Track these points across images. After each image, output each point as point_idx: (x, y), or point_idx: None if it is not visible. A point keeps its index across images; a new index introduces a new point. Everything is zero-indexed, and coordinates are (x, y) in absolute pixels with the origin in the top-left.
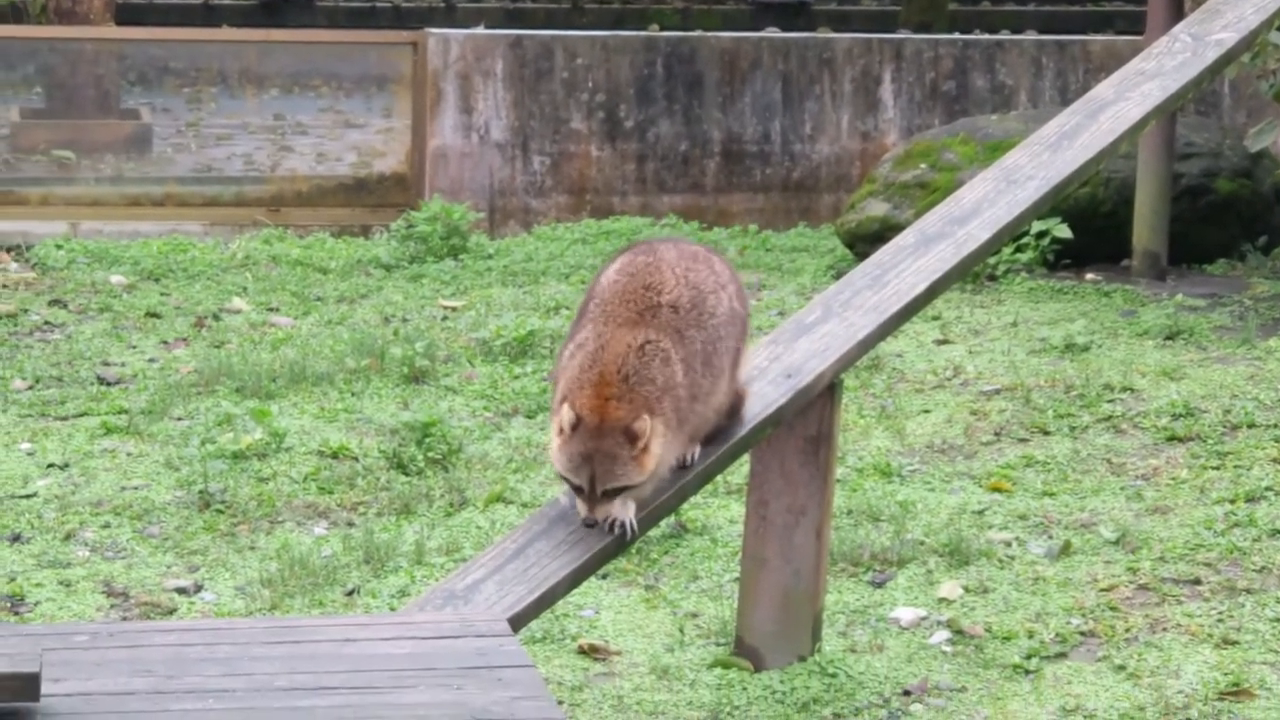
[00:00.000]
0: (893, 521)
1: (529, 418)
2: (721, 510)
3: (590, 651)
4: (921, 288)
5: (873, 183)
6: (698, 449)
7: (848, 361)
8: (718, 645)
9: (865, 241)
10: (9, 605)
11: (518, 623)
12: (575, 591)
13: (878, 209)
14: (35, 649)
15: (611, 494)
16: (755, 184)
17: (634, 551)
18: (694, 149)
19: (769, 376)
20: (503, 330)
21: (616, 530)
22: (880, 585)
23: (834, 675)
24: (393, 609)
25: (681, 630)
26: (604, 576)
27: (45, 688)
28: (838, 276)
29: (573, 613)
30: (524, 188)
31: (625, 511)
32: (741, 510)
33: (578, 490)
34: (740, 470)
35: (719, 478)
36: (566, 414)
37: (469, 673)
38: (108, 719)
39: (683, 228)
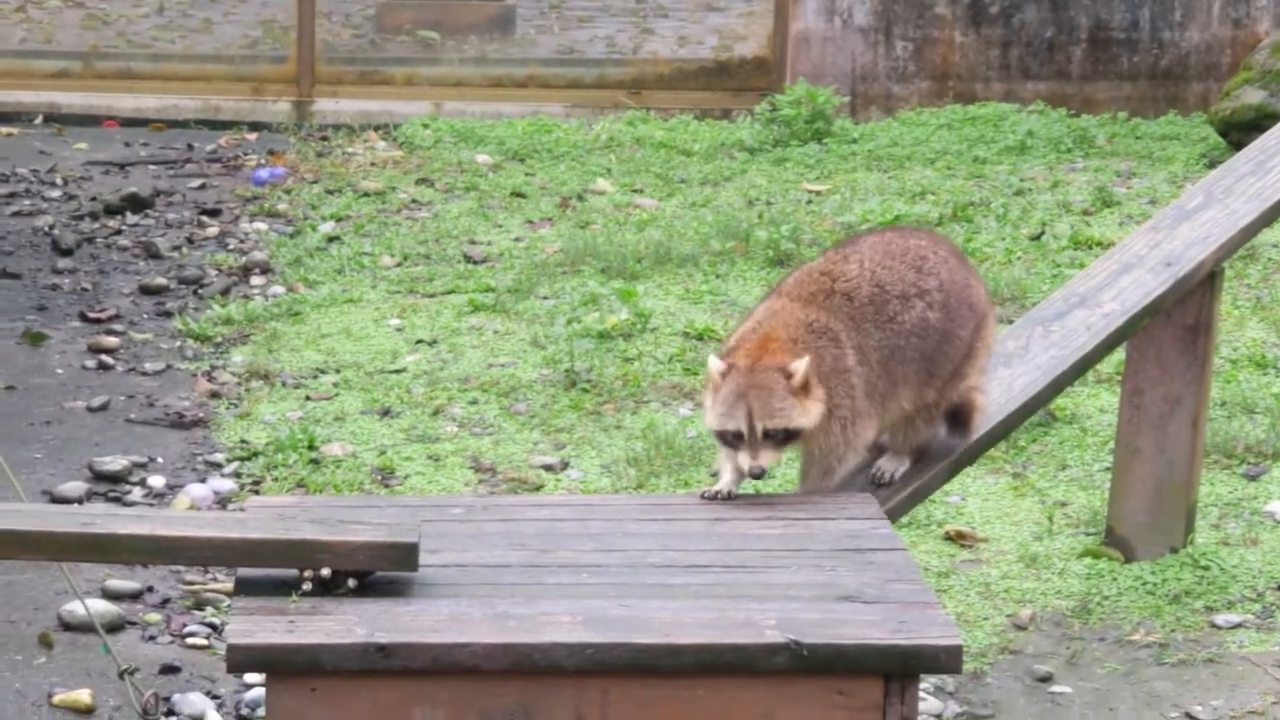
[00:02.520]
0: (1268, 414)
1: None
2: (1091, 399)
3: (957, 538)
4: None
5: (1249, 70)
6: (906, 463)
7: (1230, 249)
8: (1087, 535)
9: (1240, 130)
10: (380, 478)
11: (893, 515)
12: None
13: (1254, 96)
14: (414, 520)
15: (776, 438)
16: (1122, 72)
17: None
18: (1060, 35)
19: (1148, 265)
20: (868, 215)
21: (877, 477)
22: (1255, 478)
23: (1206, 568)
24: (756, 491)
25: (1050, 519)
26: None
27: (423, 558)
28: (1211, 165)
29: (939, 499)
30: (886, 73)
31: (896, 463)
32: (1112, 400)
33: (738, 439)
34: (1112, 360)
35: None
36: (714, 363)
37: (840, 554)
38: (484, 590)
39: (1049, 114)
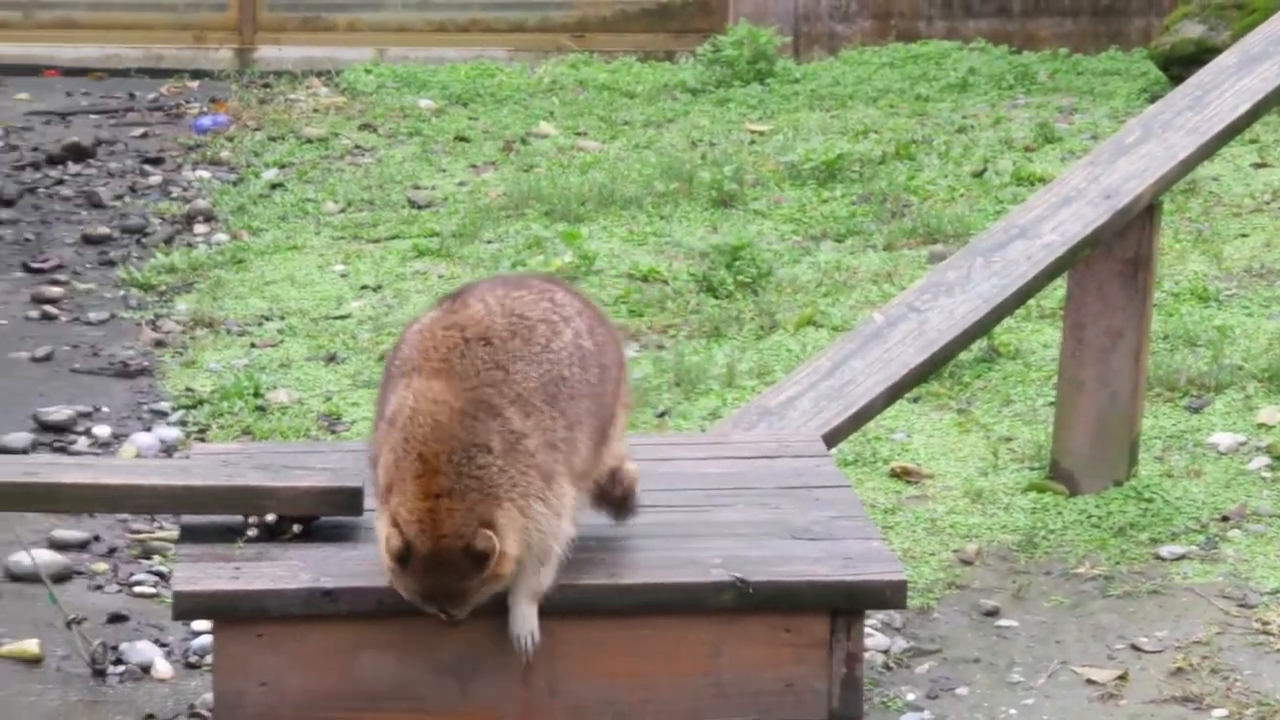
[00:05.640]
0: (1210, 346)
1: (838, 241)
2: (1035, 335)
3: (903, 474)
4: (1244, 108)
5: (1188, 4)
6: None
7: (1167, 182)
8: (1031, 470)
9: (1180, 64)
10: (327, 424)
11: (832, 439)
12: (886, 414)
13: (1193, 31)
14: (358, 465)
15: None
16: (1064, 8)
17: (946, 375)
18: None
19: (1087, 197)
20: (811, 154)
21: (523, 649)
22: (1197, 410)
23: (1150, 500)
24: (703, 430)
25: (995, 454)
26: (915, 400)
27: (368, 503)
28: (1151, 100)
29: (884, 436)
30: (829, 12)
31: (523, 623)
32: (1055, 334)
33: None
34: (1054, 294)
35: (1031, 302)
36: (394, 540)
37: (786, 492)
38: None
39: (991, 51)
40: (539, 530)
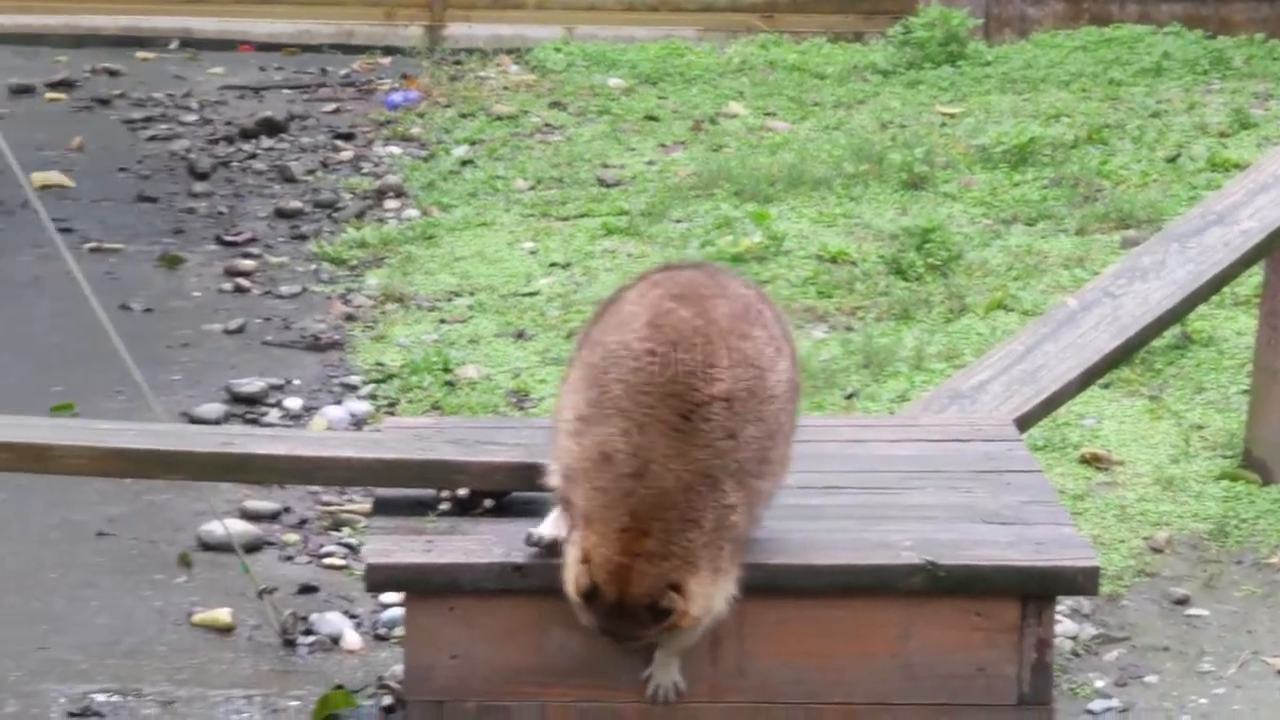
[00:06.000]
0: None
1: (1029, 225)
2: (1229, 322)
3: (1092, 460)
4: None
5: None
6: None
7: None
8: (1224, 458)
9: None
10: (515, 400)
11: (1024, 424)
12: (1077, 400)
13: None
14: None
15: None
16: None
17: (1138, 361)
18: None
19: None
20: (1002, 137)
21: (662, 697)
22: None
23: None
24: (891, 413)
25: (1186, 441)
26: (1106, 386)
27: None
28: None
29: (1074, 421)
30: None
31: (667, 673)
32: (1250, 322)
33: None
34: (1250, 283)
35: (1226, 289)
36: (582, 579)
37: (977, 476)
38: None
39: (1185, 35)
40: (720, 595)
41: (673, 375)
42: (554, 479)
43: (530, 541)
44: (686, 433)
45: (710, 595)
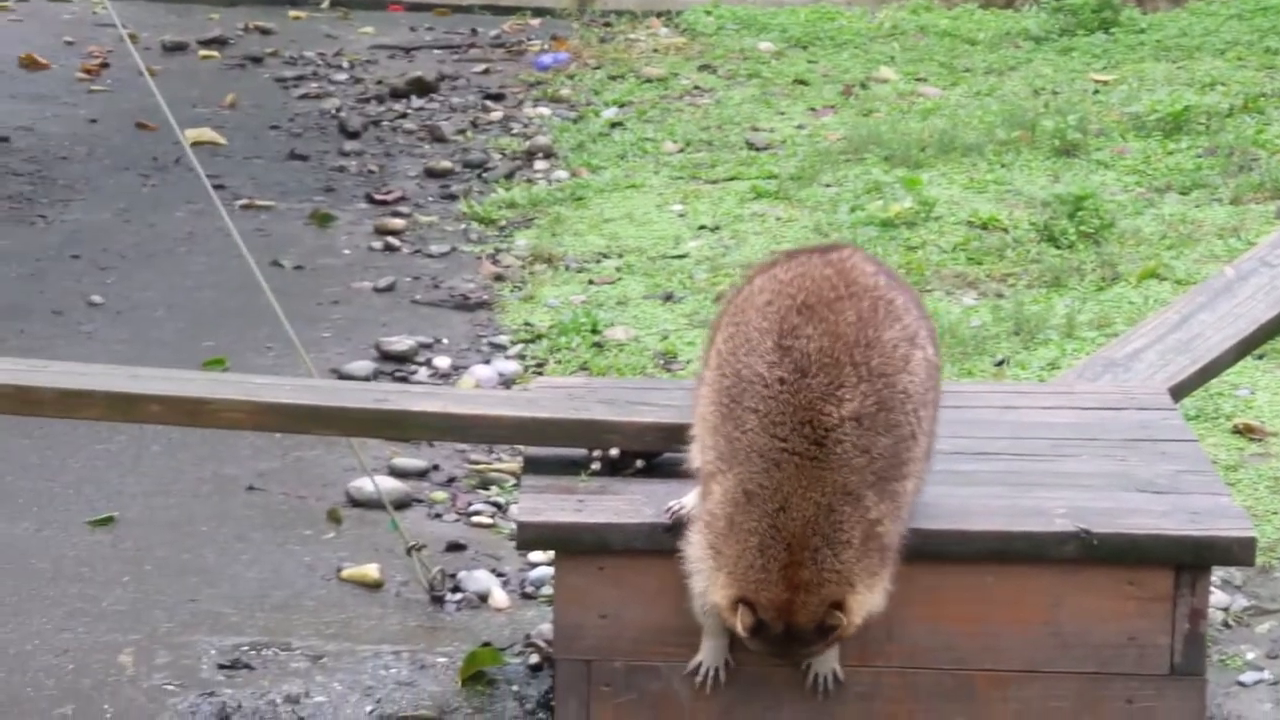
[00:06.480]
0: None
1: (1183, 194)
2: None
3: (1246, 431)
4: None
5: None
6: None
7: None
8: None
9: None
10: (662, 362)
11: (1178, 393)
12: (1230, 370)
13: None
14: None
15: None
16: None
17: None
18: None
19: None
20: (1157, 105)
21: (823, 687)
22: None
23: None
24: (1041, 380)
25: None
26: (1260, 357)
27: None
28: None
29: (1227, 392)
30: None
31: (827, 662)
32: None
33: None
34: None
35: None
36: (747, 619)
37: (1131, 444)
38: None
39: None
40: (878, 598)
41: (802, 402)
42: (695, 459)
43: (671, 513)
44: (821, 459)
45: (870, 601)
